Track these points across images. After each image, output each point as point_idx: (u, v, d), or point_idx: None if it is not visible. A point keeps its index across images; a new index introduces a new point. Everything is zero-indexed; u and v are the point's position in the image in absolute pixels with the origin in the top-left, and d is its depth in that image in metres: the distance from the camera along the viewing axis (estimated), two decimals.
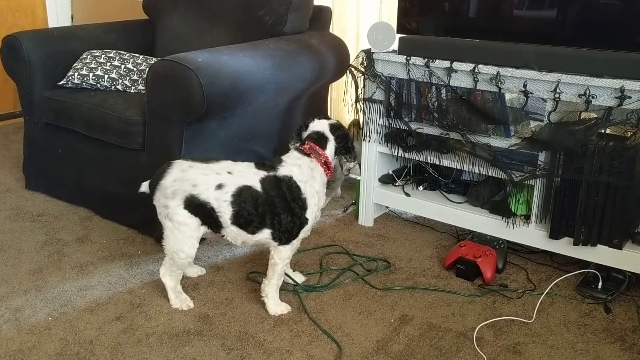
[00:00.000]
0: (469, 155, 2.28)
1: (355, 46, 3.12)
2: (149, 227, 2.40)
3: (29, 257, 2.31)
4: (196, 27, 2.94)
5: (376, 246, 2.44)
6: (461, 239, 2.40)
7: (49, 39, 2.78)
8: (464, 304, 2.05)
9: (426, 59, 2.25)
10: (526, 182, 2.17)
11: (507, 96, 2.20)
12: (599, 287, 2.08)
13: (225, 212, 1.86)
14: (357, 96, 2.51)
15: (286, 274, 2.07)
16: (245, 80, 2.27)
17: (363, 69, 2.43)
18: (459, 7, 2.30)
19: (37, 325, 1.90)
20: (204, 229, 1.92)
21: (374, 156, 2.55)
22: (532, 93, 2.06)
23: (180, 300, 2.00)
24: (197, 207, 1.86)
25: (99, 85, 2.67)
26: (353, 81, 2.49)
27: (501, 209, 2.28)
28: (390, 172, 2.63)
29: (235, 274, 2.22)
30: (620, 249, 2.04)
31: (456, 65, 2.19)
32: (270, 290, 1.97)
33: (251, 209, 1.86)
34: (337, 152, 2.01)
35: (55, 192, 2.83)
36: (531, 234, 2.21)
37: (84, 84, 2.68)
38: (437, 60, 2.23)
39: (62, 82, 2.71)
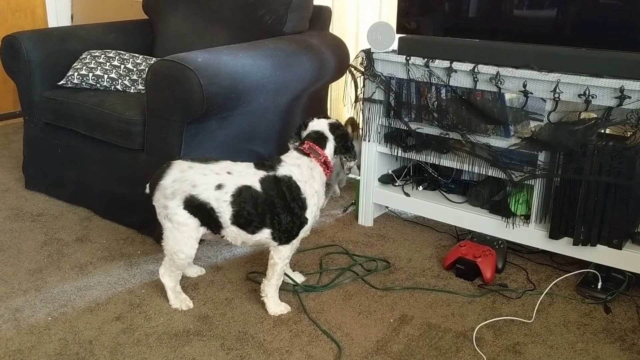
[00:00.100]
0: (469, 155, 2.28)
1: (355, 46, 3.12)
2: (149, 227, 2.40)
3: (29, 257, 2.31)
4: (196, 27, 2.94)
5: (376, 246, 2.44)
6: (461, 239, 2.40)
7: (48, 39, 2.78)
8: (464, 304, 2.05)
9: (426, 59, 2.25)
10: (526, 182, 2.17)
11: (507, 96, 2.20)
12: (599, 287, 2.08)
13: (225, 212, 1.86)
14: (356, 96, 2.51)
15: (286, 274, 2.07)
16: (245, 80, 2.27)
17: (363, 69, 2.43)
18: (459, 7, 2.31)
19: (36, 326, 1.90)
20: (203, 230, 1.92)
21: (374, 156, 2.54)
22: (531, 93, 2.06)
23: (179, 301, 2.00)
24: (197, 208, 1.86)
25: (98, 85, 2.67)
26: (353, 81, 2.49)
27: (501, 209, 2.28)
28: (390, 172, 2.63)
29: (235, 274, 2.22)
30: (620, 249, 2.04)
31: (456, 65, 2.18)
32: (270, 290, 1.97)
33: (251, 209, 1.86)
34: (337, 151, 2.01)
35: (55, 192, 2.83)
36: (531, 234, 2.21)
37: (84, 84, 2.67)
38: (436, 60, 2.23)
39: (61, 82, 2.71)
